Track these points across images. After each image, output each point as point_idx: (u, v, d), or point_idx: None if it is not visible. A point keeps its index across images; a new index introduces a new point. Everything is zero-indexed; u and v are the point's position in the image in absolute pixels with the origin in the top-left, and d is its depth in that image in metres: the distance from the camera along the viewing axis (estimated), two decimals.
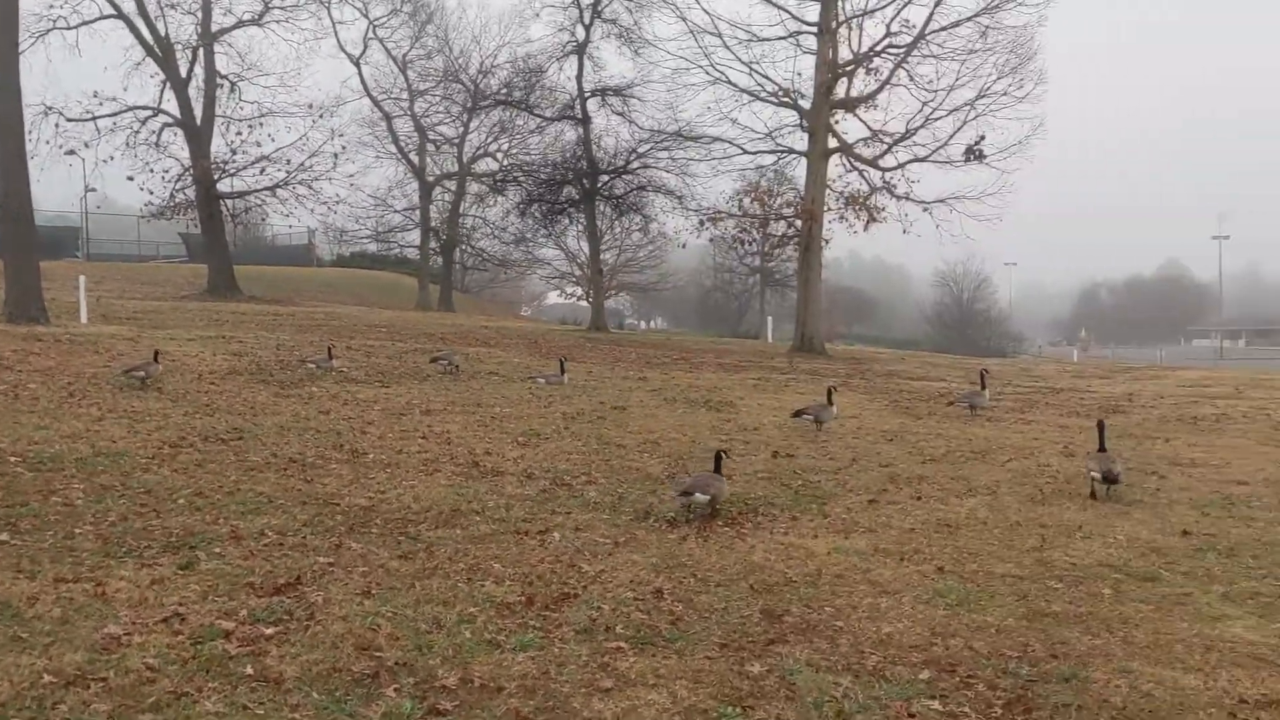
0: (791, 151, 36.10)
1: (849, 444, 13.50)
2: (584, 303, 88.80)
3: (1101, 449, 10.93)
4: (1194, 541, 8.99)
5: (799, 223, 34.24)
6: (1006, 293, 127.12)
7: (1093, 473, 10.62)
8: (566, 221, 45.79)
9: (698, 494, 8.93)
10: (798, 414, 14.55)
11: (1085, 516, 9.78)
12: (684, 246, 42.67)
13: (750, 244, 35.16)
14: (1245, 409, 19.99)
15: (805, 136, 34.53)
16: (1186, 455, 13.63)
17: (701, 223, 36.38)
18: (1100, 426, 11.28)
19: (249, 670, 5.16)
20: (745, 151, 35.59)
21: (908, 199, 34.01)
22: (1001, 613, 6.83)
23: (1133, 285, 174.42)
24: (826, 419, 14.38)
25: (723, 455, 9.68)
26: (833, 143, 34.81)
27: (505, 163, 54.30)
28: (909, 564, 7.87)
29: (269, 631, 5.71)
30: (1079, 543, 8.79)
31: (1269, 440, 15.45)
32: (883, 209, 34.15)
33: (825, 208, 34.38)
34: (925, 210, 33.99)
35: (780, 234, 34.47)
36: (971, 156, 33.05)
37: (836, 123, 35.00)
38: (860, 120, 34.96)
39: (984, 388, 17.61)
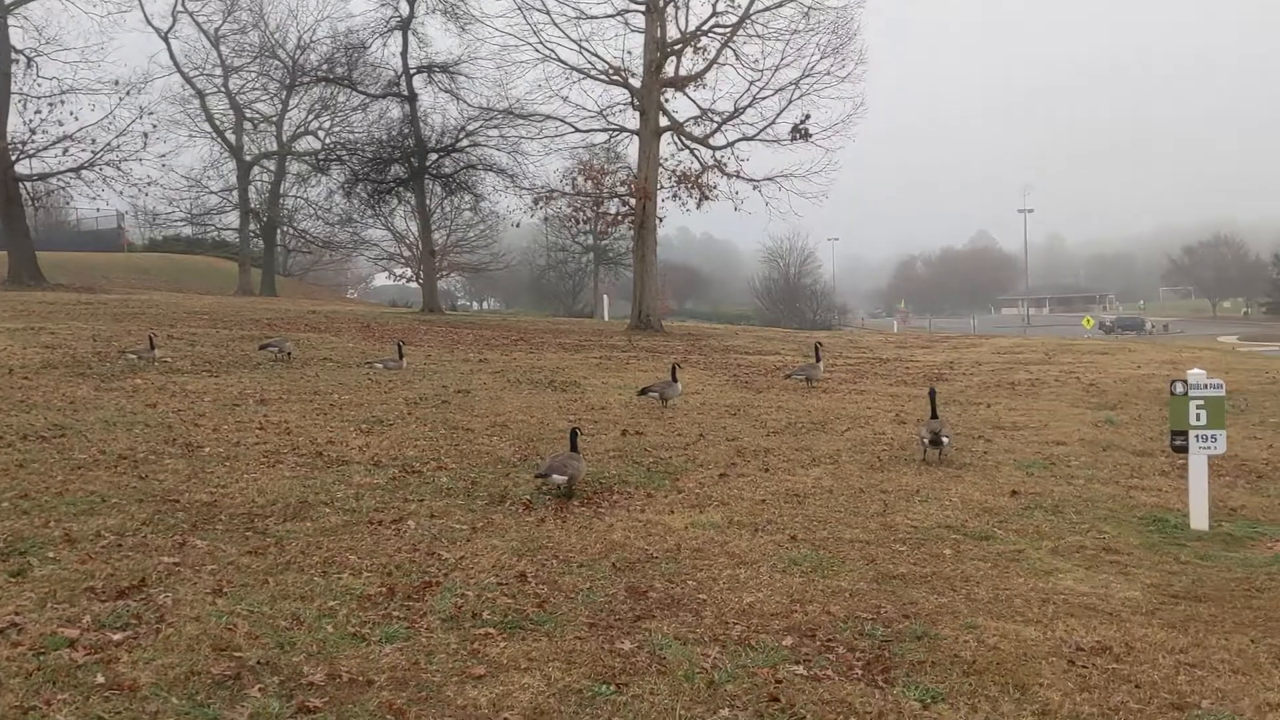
0: (623, 130, 36.27)
1: (694, 420, 13.72)
2: (414, 284, 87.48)
3: (933, 415, 11.42)
4: (1022, 501, 9.52)
5: (633, 201, 34.42)
6: (830, 267, 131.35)
7: (923, 437, 11.10)
8: (395, 201, 44.87)
9: (554, 475, 8.95)
10: (644, 391, 14.69)
11: (922, 481, 10.22)
12: (518, 225, 42.39)
13: (585, 223, 35.08)
14: (1056, 373, 21.23)
15: (637, 115, 34.70)
16: (1008, 419, 14.40)
17: (536, 201, 36.19)
18: (931, 394, 11.79)
19: (100, 679, 4.90)
20: (577, 130, 35.59)
21: (738, 177, 34.64)
22: (853, 577, 7.08)
23: (946, 257, 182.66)
24: (672, 396, 14.56)
25: (577, 432, 9.71)
26: (664, 121, 35.09)
27: (328, 141, 52.73)
28: (763, 534, 8.07)
29: (117, 637, 5.43)
30: (918, 506, 9.19)
31: (1080, 402, 16.46)
32: (714, 187, 34.69)
33: (659, 186, 34.68)
34: (755, 188, 34.72)
35: (615, 212, 34.61)
36: (798, 135, 33.90)
37: (667, 101, 35.31)
38: (690, 99, 35.38)
39: (818, 360, 18.15)
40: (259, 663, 5.22)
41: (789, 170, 34.37)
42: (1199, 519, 8.58)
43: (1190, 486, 8.68)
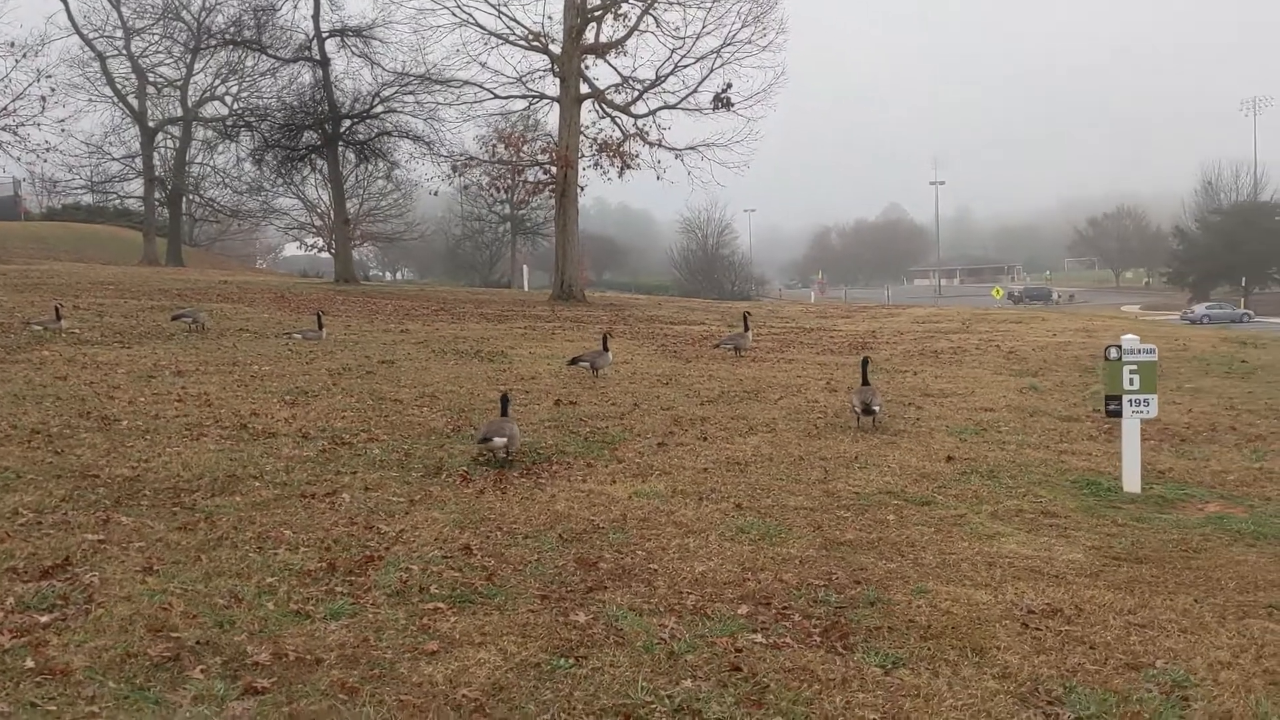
0: (543, 97, 35.85)
1: (627, 389, 13.59)
2: (325, 254, 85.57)
3: (865, 383, 11.46)
4: (958, 466, 9.60)
5: (554, 170, 34.04)
6: (746, 238, 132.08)
7: (855, 406, 11.14)
8: (307, 169, 43.85)
9: (495, 439, 8.83)
10: (574, 361, 14.51)
11: (859, 448, 10.24)
12: (435, 194, 41.70)
13: (504, 191, 34.58)
14: (976, 342, 21.57)
15: (557, 82, 34.29)
16: (935, 386, 14.55)
17: (455, 169, 35.59)
18: (864, 363, 11.83)
19: (29, 664, 4.62)
20: (497, 96, 35.06)
21: (660, 145, 34.49)
22: (802, 544, 7.04)
23: (860, 229, 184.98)
24: (603, 365, 14.41)
25: (508, 397, 9.61)
26: (585, 89, 34.75)
27: (236, 107, 51.23)
28: (708, 503, 7.99)
29: (44, 619, 5.13)
30: (858, 473, 9.20)
31: (1002, 369, 16.72)
32: (636, 155, 34.50)
33: (580, 154, 34.36)
34: (678, 157, 34.61)
35: (536, 181, 34.19)
36: (720, 104, 33.83)
37: (588, 68, 34.96)
38: (611, 66, 35.08)
39: (746, 330, 18.15)
40: (199, 643, 4.98)
41: (711, 139, 34.38)
42: (1131, 482, 8.73)
43: (1123, 450, 8.81)
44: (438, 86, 36.95)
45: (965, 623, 5.63)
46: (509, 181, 34.05)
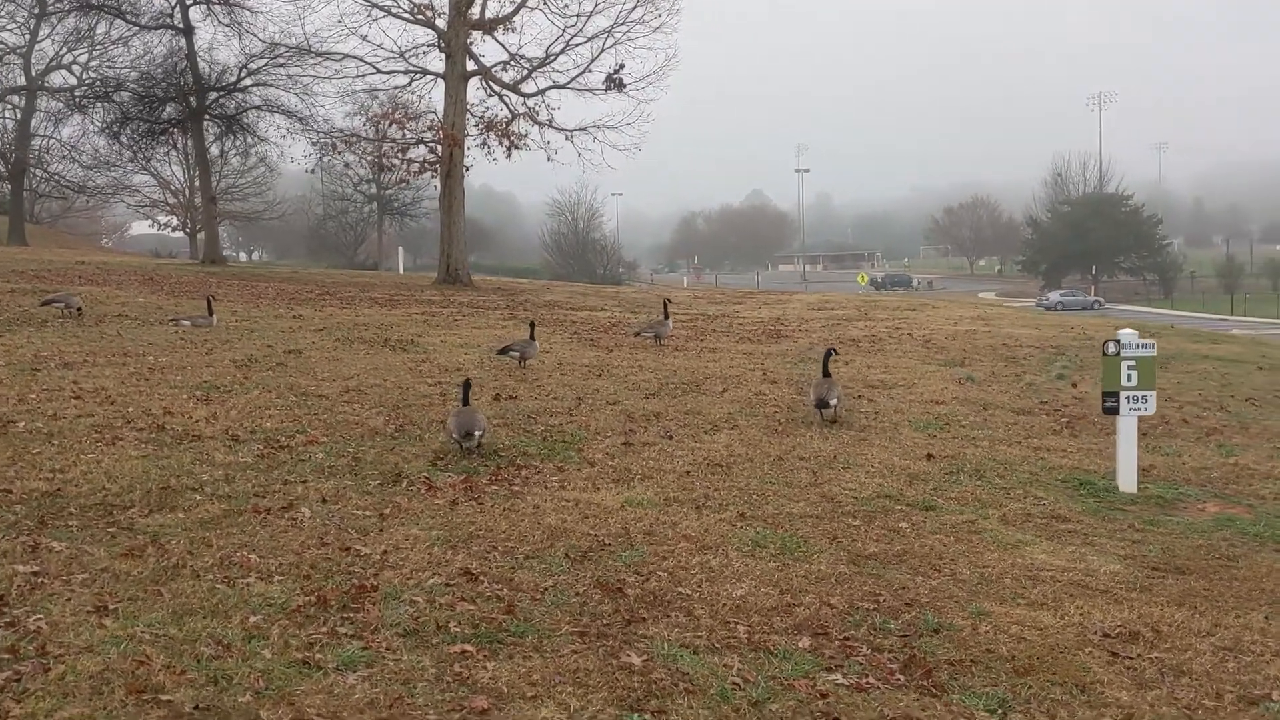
0: (426, 73, 34.46)
1: (561, 381, 12.83)
2: (178, 234, 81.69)
3: (825, 375, 11.02)
4: (941, 465, 9.20)
5: (439, 148, 32.75)
6: (613, 222, 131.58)
7: (812, 400, 10.74)
8: (169, 144, 41.39)
9: (475, 431, 8.57)
10: (505, 350, 13.68)
11: (832, 445, 9.75)
12: (312, 172, 39.76)
13: (386, 170, 33.09)
14: (884, 330, 21.46)
15: (443, 58, 33.00)
16: (875, 377, 14.20)
17: (334, 146, 33.95)
18: (826, 355, 11.38)
19: None
20: (379, 71, 33.50)
21: (550, 126, 33.54)
22: (828, 559, 6.47)
23: (725, 214, 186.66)
24: (532, 355, 13.63)
25: (469, 384, 9.38)
26: (472, 66, 33.53)
27: (86, 77, 48.00)
28: (708, 512, 7.36)
29: None
30: (845, 474, 8.70)
31: (927, 359, 16.53)
32: (525, 136, 33.46)
33: (465, 134, 33.17)
34: (568, 138, 33.74)
35: (422, 160, 32.86)
36: (612, 85, 33.09)
37: (474, 44, 33.74)
38: (499, 43, 33.97)
39: (667, 318, 17.55)
40: (198, 708, 4.10)
41: (602, 121, 33.57)
42: (1127, 481, 8.46)
43: (1119, 448, 8.53)
44: (313, 59, 35.22)
45: (1048, 652, 5.14)
46: (394, 160, 32.53)
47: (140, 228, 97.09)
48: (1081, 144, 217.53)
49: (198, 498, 7.06)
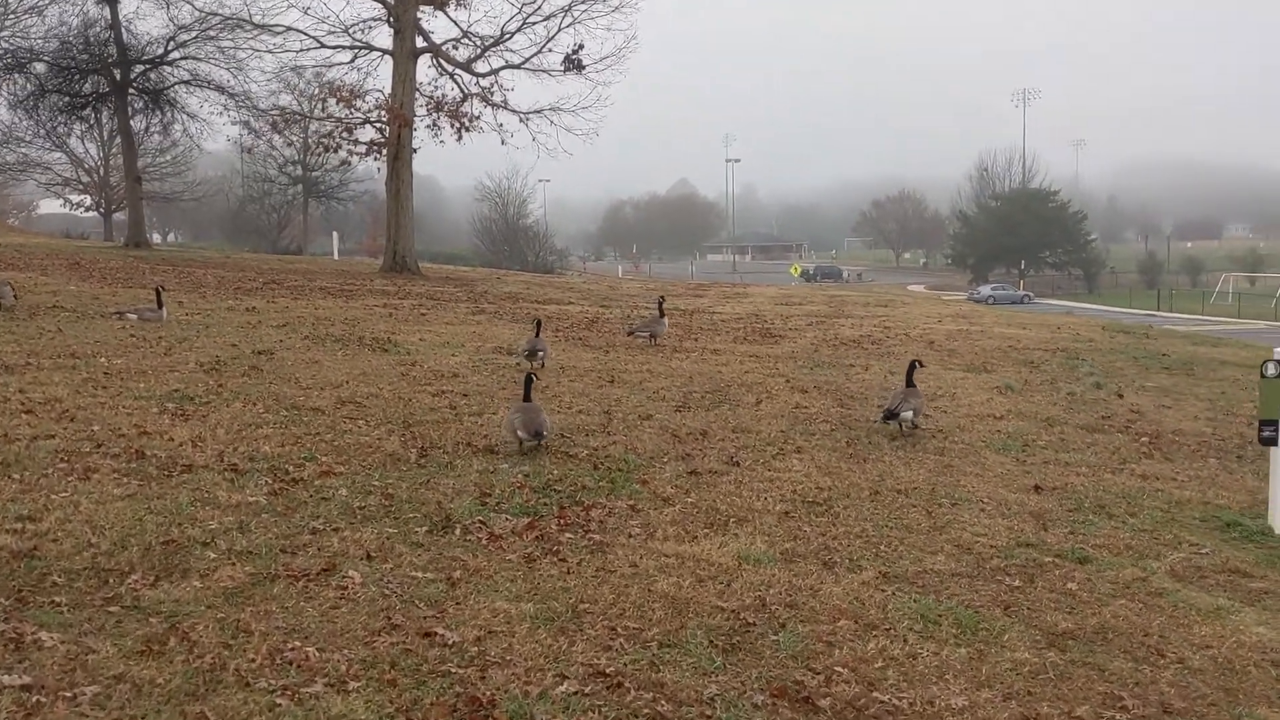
0: (373, 49, 32.58)
1: (574, 389, 11.44)
2: (91, 214, 77.98)
3: (910, 385, 9.90)
4: (1058, 500, 8.04)
5: (386, 129, 30.91)
6: (540, 210, 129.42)
7: (904, 412, 9.64)
8: (91, 119, 38.82)
9: (545, 431, 8.24)
10: (531, 354, 12.32)
11: (919, 474, 8.54)
12: (250, 151, 37.57)
13: (334, 150, 31.22)
14: (874, 329, 20.41)
15: (391, 33, 31.16)
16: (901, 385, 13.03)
17: (274, 124, 31.90)
18: (911, 366, 10.26)
19: None
20: (323, 45, 31.52)
21: (504, 108, 31.93)
22: (1023, 642, 5.22)
23: (653, 203, 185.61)
24: (543, 350, 12.35)
25: (532, 379, 8.91)
26: (422, 43, 31.74)
27: None
28: (842, 572, 6.06)
29: None
30: (959, 512, 7.49)
31: (946, 364, 15.47)
32: (477, 117, 31.84)
33: (414, 114, 31.39)
34: (522, 121, 32.18)
35: (369, 141, 30.96)
36: (570, 66, 31.59)
37: (424, 20, 31.94)
38: (451, 19, 32.20)
39: (662, 316, 16.22)
40: None
41: (559, 103, 32.06)
42: None
43: (1275, 484, 7.43)
44: (248, 32, 33.10)
45: None
46: (339, 141, 30.62)
47: (50, 206, 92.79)
48: (1005, 140, 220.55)
49: (212, 556, 5.57)
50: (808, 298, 30.69)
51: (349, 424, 8.95)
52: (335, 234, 52.84)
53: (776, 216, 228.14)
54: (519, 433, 8.15)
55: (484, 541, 6.20)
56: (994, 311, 28.17)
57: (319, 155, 48.63)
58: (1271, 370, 7.36)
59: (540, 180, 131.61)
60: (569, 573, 5.75)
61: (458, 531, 6.35)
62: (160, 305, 14.90)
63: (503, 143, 32.30)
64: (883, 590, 5.77)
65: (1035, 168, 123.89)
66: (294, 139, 45.97)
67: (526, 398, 8.59)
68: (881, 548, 6.54)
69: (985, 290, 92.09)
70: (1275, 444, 7.35)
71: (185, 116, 38.26)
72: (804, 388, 12.38)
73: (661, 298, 17.04)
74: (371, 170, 44.87)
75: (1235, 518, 7.70)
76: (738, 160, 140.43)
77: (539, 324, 13.17)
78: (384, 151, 30.91)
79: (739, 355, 15.24)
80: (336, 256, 47.59)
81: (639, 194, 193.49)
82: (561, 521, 6.65)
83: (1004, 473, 8.74)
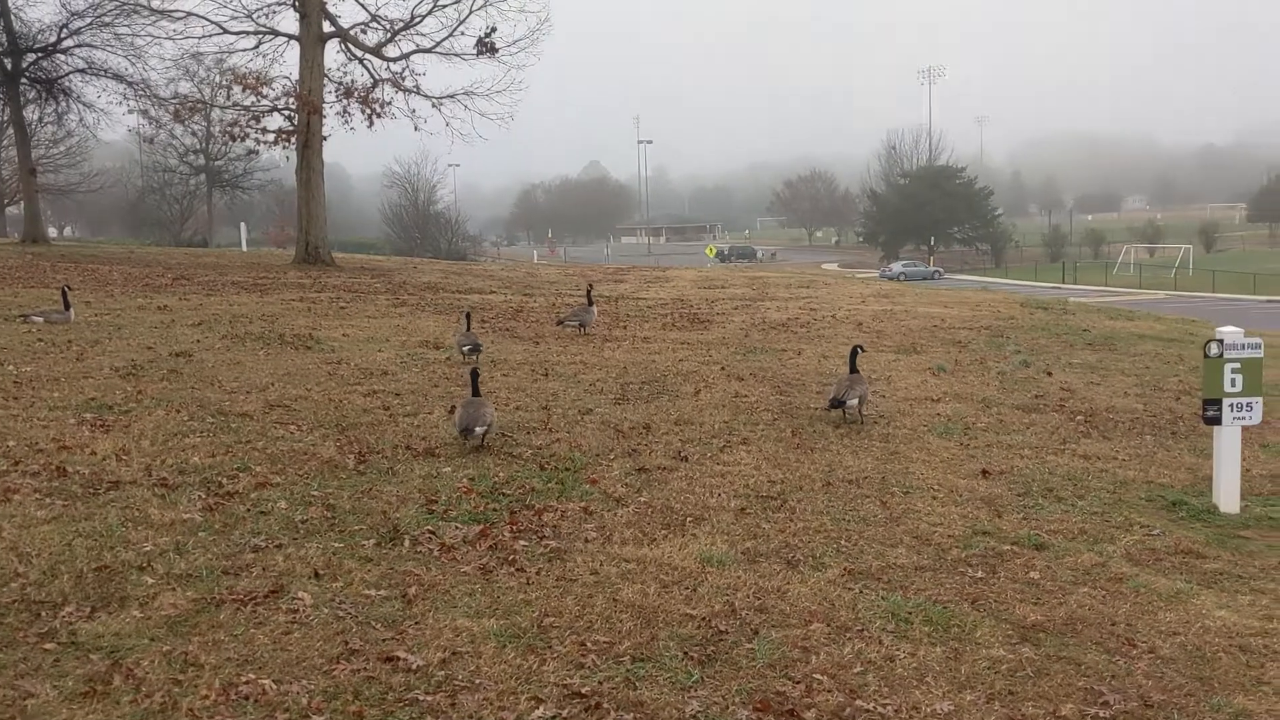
0: (276, 33, 31.62)
1: (507, 384, 11.19)
2: None
3: (853, 371, 9.86)
4: (1006, 485, 8.06)
5: (295, 117, 30.07)
6: (451, 195, 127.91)
7: (829, 398, 9.63)
8: None
9: (476, 428, 8.02)
10: (474, 349, 12.04)
11: (866, 462, 8.50)
12: (151, 141, 36.33)
13: (240, 139, 30.24)
14: (800, 311, 20.44)
15: (297, 17, 30.28)
16: (843, 371, 13.01)
17: (177, 113, 30.83)
18: (854, 352, 10.22)
19: None
20: (226, 31, 30.48)
21: (417, 93, 31.29)
22: (996, 637, 5.15)
23: (565, 186, 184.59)
24: (478, 346, 12.07)
25: (478, 372, 8.80)
26: (329, 27, 30.91)
27: None
28: (806, 570, 5.95)
29: None
30: (912, 501, 7.45)
31: (876, 345, 15.50)
32: (389, 103, 31.15)
33: (324, 100, 30.59)
34: (435, 106, 31.56)
35: (277, 129, 30.07)
36: (484, 49, 31.04)
37: (331, 4, 31.10)
38: (358, 2, 31.39)
39: (591, 305, 16.00)
40: None
41: (473, 88, 31.51)
42: (1229, 501, 7.46)
43: (1220, 463, 7.51)
44: (147, 17, 31.87)
45: None
46: (247, 130, 29.69)
47: None
48: (912, 119, 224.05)
49: (150, 582, 5.26)
50: (729, 280, 30.68)
51: (280, 429, 8.61)
52: (242, 225, 51.40)
53: (688, 198, 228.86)
54: (459, 427, 8.09)
55: (436, 553, 5.97)
56: (914, 290, 28.42)
57: (224, 144, 47.23)
58: (1214, 350, 7.43)
59: (450, 165, 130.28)
60: (529, 584, 5.55)
61: (407, 543, 6.10)
62: (67, 306, 14.26)
63: (416, 129, 31.76)
64: (849, 588, 5.67)
65: (942, 145, 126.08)
66: (196, 128, 44.62)
67: (475, 392, 8.51)
68: (842, 542, 6.45)
69: (897, 267, 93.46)
70: (1219, 423, 7.43)
71: (81, 106, 36.92)
72: (740, 375, 12.29)
73: (590, 285, 16.79)
74: (278, 159, 43.70)
75: (1179, 496, 7.79)
76: (649, 142, 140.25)
77: (468, 316, 12.87)
78: (293, 140, 30.06)
79: (671, 343, 15.10)
80: (245, 248, 46.36)
81: (550, 178, 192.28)
82: (514, 528, 6.44)
83: (949, 458, 8.74)
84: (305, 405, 9.58)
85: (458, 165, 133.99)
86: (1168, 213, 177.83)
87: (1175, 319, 22.63)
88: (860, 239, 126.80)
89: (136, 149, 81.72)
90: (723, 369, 12.72)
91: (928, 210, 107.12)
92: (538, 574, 5.69)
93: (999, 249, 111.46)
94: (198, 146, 76.23)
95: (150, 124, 35.39)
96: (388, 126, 31.67)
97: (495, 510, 6.78)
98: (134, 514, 6.24)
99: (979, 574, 6.05)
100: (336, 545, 5.99)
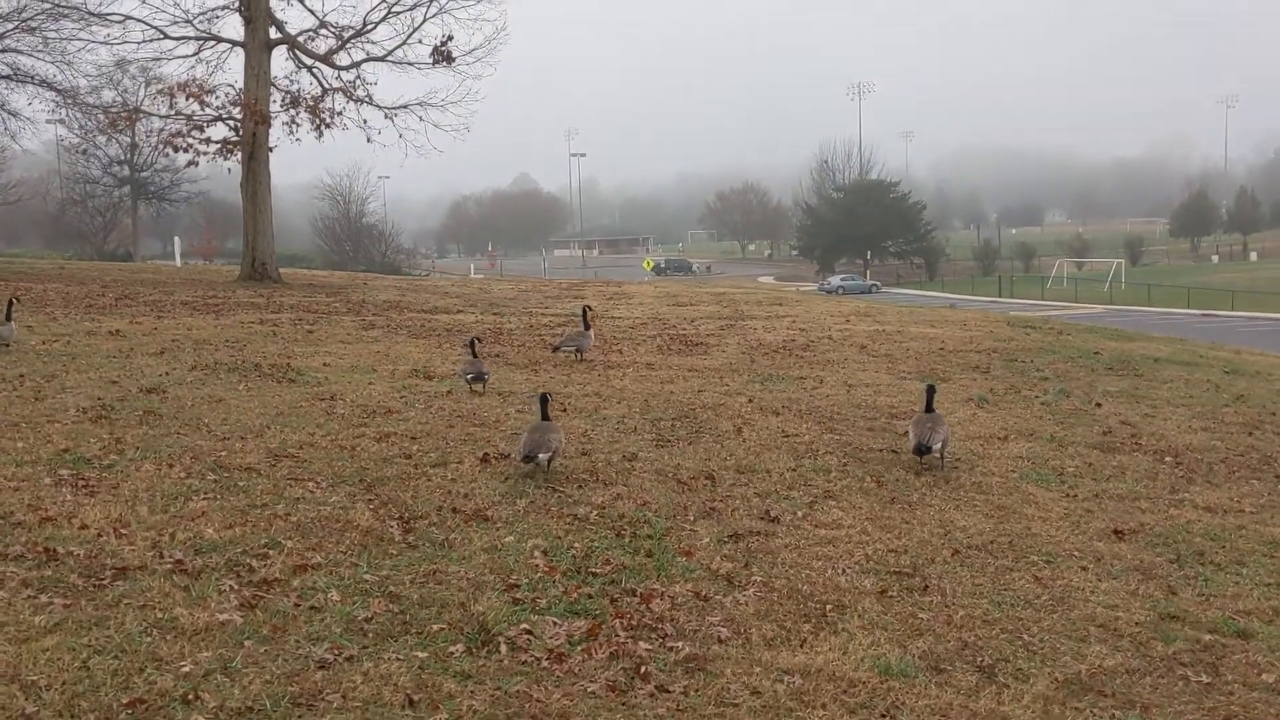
0: (220, 39, 29.99)
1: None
2: None
3: (929, 410, 8.87)
4: (1150, 548, 7.11)
5: (240, 127, 28.43)
6: (381, 207, 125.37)
7: (911, 444, 8.60)
8: None
9: (540, 454, 7.73)
10: (478, 377, 10.83)
11: (976, 521, 7.50)
12: (84, 153, 34.37)
13: (182, 151, 28.48)
14: (792, 332, 19.50)
15: (242, 23, 28.70)
16: (882, 401, 12.05)
17: (114, 123, 29.00)
18: (929, 390, 9.21)
19: None
20: (167, 36, 28.74)
21: (369, 103, 29.85)
22: None
23: (497, 198, 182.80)
24: (486, 373, 10.94)
25: (548, 398, 8.39)
26: (276, 34, 29.36)
27: None
28: (1008, 683, 4.88)
29: None
30: (1066, 575, 6.46)
31: (892, 371, 14.59)
32: (339, 113, 29.67)
33: (272, 110, 29.01)
34: (388, 117, 30.15)
35: (222, 140, 28.36)
36: (440, 58, 29.69)
37: (279, 10, 29.54)
38: (306, 8, 29.91)
39: (588, 328, 14.85)
40: None
41: (427, 98, 30.17)
42: None
43: None
44: (78, 22, 29.98)
45: None
46: (189, 140, 27.97)
47: None
48: (843, 133, 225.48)
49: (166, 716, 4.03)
50: (695, 298, 29.67)
51: (296, 487, 7.35)
52: (177, 239, 49.15)
53: (619, 210, 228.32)
54: (540, 454, 7.81)
55: (545, 663, 4.81)
56: (893, 307, 27.69)
57: (159, 155, 45.10)
58: None
59: (380, 176, 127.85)
60: (680, 709, 4.42)
61: (504, 649, 4.93)
62: (9, 318, 12.83)
63: (369, 140, 30.27)
64: (1076, 708, 4.63)
65: (873, 159, 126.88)
66: (121, 138, 42.54)
67: (544, 417, 8.20)
68: (1024, 638, 5.40)
69: (835, 281, 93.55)
70: None
71: (5, 114, 34.84)
72: (773, 409, 11.24)
73: (586, 307, 15.61)
74: (205, 170, 41.88)
75: None
76: (583, 155, 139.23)
77: (473, 344, 11.67)
78: (238, 151, 28.43)
79: (677, 370, 14.01)
80: (179, 263, 44.31)
81: (480, 189, 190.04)
82: (625, 623, 5.30)
83: (1064, 513, 7.77)
84: (315, 454, 8.31)
85: (388, 177, 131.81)
86: (1088, 227, 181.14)
87: (1164, 339, 22.14)
88: (795, 252, 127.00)
89: (56, 159, 78.68)
90: (750, 401, 11.67)
91: (862, 224, 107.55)
92: (684, 694, 4.56)
93: (933, 263, 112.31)
94: (122, 157, 73.47)
95: (78, 134, 33.45)
96: (328, 138, 30.09)
97: (591, 598, 5.62)
98: (156, 616, 4.98)
99: (1204, 678, 5.06)
100: (420, 655, 4.80)
